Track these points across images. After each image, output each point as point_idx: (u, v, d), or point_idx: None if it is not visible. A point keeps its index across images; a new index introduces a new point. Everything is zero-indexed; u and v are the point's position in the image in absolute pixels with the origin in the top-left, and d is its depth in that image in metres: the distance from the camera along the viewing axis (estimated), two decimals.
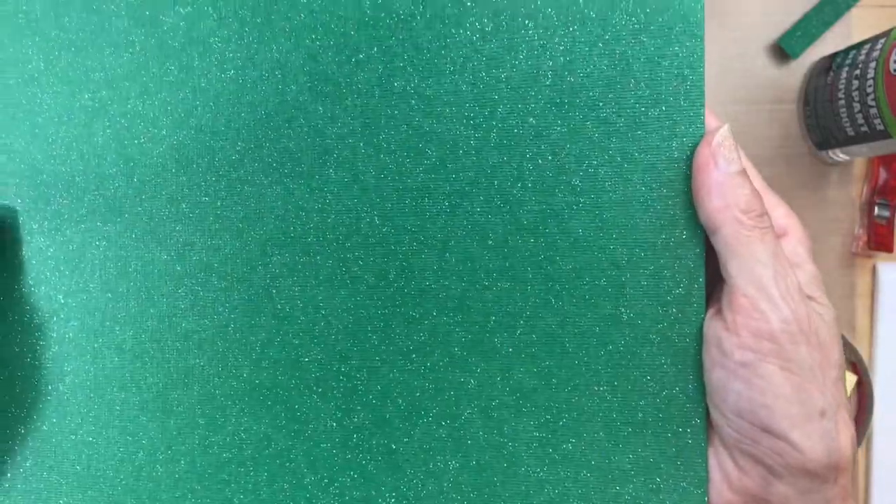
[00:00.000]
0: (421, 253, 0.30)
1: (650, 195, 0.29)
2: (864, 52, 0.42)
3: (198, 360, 0.30)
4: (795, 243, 0.30)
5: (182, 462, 0.30)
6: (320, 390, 0.30)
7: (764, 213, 0.27)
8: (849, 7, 0.47)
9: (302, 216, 0.30)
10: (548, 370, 0.30)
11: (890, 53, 0.40)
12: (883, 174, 0.47)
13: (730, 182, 0.27)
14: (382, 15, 0.29)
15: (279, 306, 0.30)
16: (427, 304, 0.30)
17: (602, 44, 0.29)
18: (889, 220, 0.46)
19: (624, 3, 0.29)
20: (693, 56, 0.29)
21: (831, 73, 0.45)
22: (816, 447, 0.26)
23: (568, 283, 0.29)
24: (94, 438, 0.30)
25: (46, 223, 0.30)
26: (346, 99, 0.29)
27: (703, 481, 0.30)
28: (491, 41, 0.29)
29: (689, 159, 0.29)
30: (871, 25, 0.48)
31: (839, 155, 0.46)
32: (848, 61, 0.43)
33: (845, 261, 0.48)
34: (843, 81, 0.43)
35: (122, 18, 0.30)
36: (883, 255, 0.48)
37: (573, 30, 0.29)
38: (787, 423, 0.26)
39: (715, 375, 0.28)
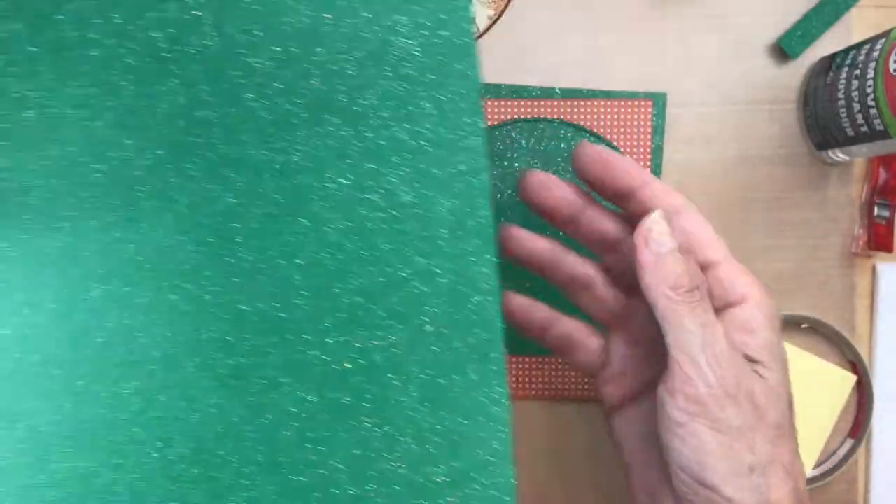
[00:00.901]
0: (232, 276, 0.31)
1: (444, 208, 0.31)
2: (863, 52, 0.42)
3: (18, 398, 0.30)
4: (753, 309, 0.32)
5: None
6: (141, 421, 0.31)
7: (694, 288, 0.31)
8: (849, 7, 0.47)
9: (118, 248, 0.31)
10: (360, 386, 0.30)
11: (890, 54, 0.40)
12: (883, 174, 0.47)
13: (659, 262, 0.31)
14: (177, 48, 0.30)
15: (100, 340, 0.30)
16: (242, 327, 0.30)
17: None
18: (889, 220, 0.46)
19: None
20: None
21: (831, 74, 0.45)
22: (747, 500, 0.29)
23: (377, 296, 0.31)
24: None
25: None
26: (152, 130, 0.30)
27: (511, 488, 0.31)
28: (285, 69, 0.30)
29: (470, 174, 0.31)
30: (871, 25, 0.47)
31: (839, 155, 0.46)
32: (848, 61, 0.43)
33: (845, 261, 0.48)
34: (843, 82, 0.43)
35: None
36: (883, 255, 0.48)
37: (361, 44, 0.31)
38: (719, 478, 0.29)
39: (662, 434, 0.31)
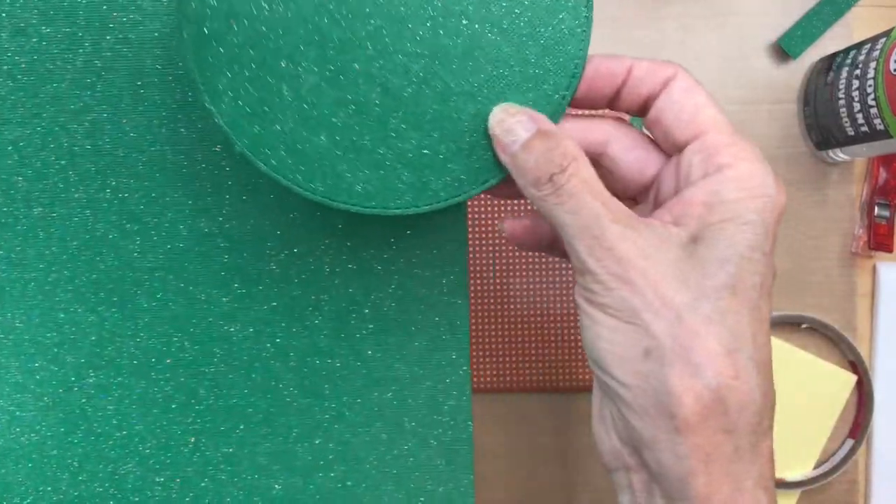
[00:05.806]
0: (228, 373, 0.33)
1: (427, 323, 0.34)
2: (864, 51, 0.42)
3: (16, 476, 0.33)
4: (723, 181, 0.27)
5: None
6: (137, 500, 0.33)
7: (553, 175, 0.27)
8: (849, 7, 0.47)
9: (116, 341, 0.33)
10: (343, 474, 0.34)
11: (890, 53, 0.40)
12: (883, 174, 0.47)
13: (514, 161, 0.28)
14: (185, 162, 0.33)
15: (95, 424, 0.33)
16: (235, 419, 0.33)
17: None
18: (889, 220, 0.46)
19: None
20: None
21: (831, 73, 0.45)
22: (638, 385, 0.26)
23: (359, 398, 0.34)
24: None
25: None
26: (154, 236, 0.33)
27: None
28: None
29: (453, 294, 0.34)
30: (871, 25, 0.47)
31: (839, 155, 0.46)
32: (848, 61, 0.43)
33: (845, 261, 0.48)
34: (843, 81, 0.43)
35: None
36: (883, 254, 0.48)
37: None
38: (609, 360, 0.27)
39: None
